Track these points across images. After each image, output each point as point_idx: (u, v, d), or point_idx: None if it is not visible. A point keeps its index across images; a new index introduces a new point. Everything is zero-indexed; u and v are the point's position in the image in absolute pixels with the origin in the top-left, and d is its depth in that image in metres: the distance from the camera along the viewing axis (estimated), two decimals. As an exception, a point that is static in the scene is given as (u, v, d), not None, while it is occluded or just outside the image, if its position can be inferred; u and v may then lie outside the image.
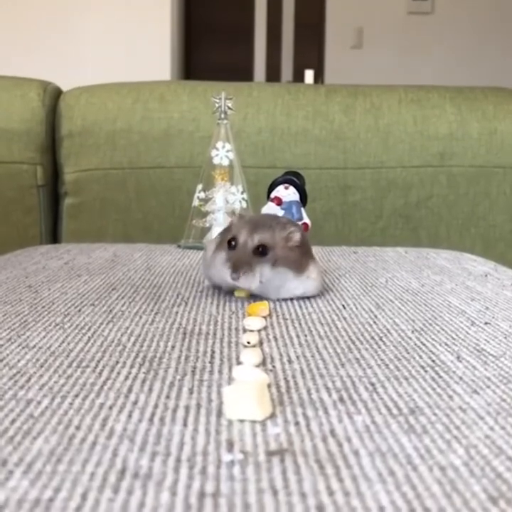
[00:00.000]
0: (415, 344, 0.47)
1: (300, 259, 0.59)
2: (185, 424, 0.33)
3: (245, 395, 0.34)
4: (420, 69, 3.42)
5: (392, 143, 1.30)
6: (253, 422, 0.34)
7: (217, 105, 0.93)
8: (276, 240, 0.57)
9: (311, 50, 3.67)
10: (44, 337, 0.47)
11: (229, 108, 0.93)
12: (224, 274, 0.57)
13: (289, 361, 0.43)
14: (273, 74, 3.67)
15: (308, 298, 0.61)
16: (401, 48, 3.49)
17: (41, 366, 0.41)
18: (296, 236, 0.58)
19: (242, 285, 0.57)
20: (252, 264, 0.56)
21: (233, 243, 0.58)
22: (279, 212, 0.93)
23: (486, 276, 0.72)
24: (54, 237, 1.34)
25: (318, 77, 3.63)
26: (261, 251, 0.57)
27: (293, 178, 0.91)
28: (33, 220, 1.30)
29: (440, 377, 0.41)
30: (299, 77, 3.66)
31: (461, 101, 1.33)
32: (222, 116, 0.93)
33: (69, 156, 1.31)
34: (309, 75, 3.63)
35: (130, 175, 1.30)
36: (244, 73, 3.58)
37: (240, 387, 0.35)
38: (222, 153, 0.92)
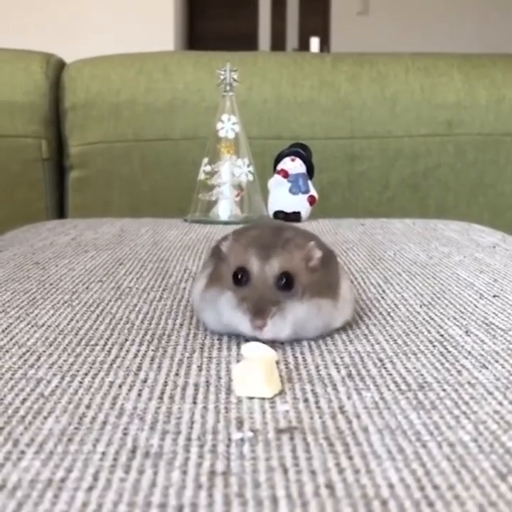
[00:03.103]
0: (423, 319, 0.47)
1: (329, 279, 0.43)
2: (194, 402, 0.33)
3: (254, 372, 0.34)
4: (428, 35, 3.36)
5: (399, 112, 1.28)
6: (262, 399, 0.34)
7: (222, 77, 0.92)
8: (296, 263, 0.41)
9: (316, 16, 3.61)
10: (53, 315, 0.48)
11: (234, 80, 0.92)
12: (238, 323, 0.40)
13: (297, 337, 0.43)
14: (278, 42, 3.62)
15: None
16: (408, 14, 3.43)
17: (50, 345, 0.42)
18: (316, 252, 0.42)
19: (268, 336, 0.40)
20: (279, 302, 0.40)
21: (242, 276, 0.41)
22: (286, 184, 0.93)
23: (494, 247, 0.72)
24: (60, 211, 1.34)
25: (324, 45, 3.57)
26: (285, 282, 0.40)
27: (299, 150, 0.91)
28: (38, 194, 1.30)
29: (448, 351, 0.41)
30: (304, 44, 3.61)
31: (468, 68, 1.31)
32: (228, 88, 0.92)
33: (73, 129, 1.30)
34: (315, 43, 3.58)
35: (135, 147, 1.29)
36: (248, 41, 3.53)
37: (249, 365, 0.35)
38: (228, 126, 0.91)
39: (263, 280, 0.40)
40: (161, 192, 1.29)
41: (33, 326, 0.45)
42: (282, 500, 0.25)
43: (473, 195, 1.30)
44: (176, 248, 0.73)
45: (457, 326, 0.46)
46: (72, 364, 0.38)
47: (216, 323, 0.43)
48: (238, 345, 0.42)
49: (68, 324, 0.46)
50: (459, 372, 0.37)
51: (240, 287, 0.41)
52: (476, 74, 1.29)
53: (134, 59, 1.34)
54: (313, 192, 0.94)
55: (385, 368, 0.38)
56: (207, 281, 0.44)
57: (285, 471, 0.27)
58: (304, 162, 0.92)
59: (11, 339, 0.43)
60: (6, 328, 0.45)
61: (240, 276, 0.41)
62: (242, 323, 0.40)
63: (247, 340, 0.43)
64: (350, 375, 0.37)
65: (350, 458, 0.28)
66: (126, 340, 0.43)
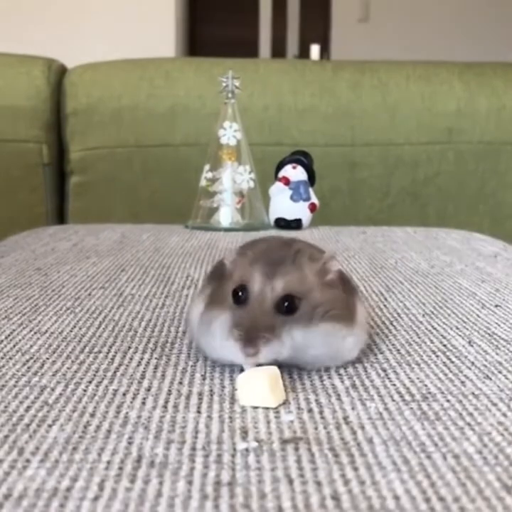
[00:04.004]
0: (426, 328, 0.47)
1: (346, 300, 0.38)
2: (198, 411, 0.33)
3: (259, 381, 0.34)
4: (429, 43, 3.37)
5: (400, 119, 1.29)
6: (266, 408, 0.34)
7: (224, 85, 0.92)
8: (309, 281, 0.36)
9: (317, 23, 3.62)
10: (55, 322, 0.48)
11: (236, 87, 0.92)
12: (229, 350, 0.36)
13: (301, 346, 0.43)
14: (278, 48, 3.63)
15: None
16: (408, 22, 3.44)
17: (54, 352, 0.42)
18: (334, 265, 0.37)
19: (262, 362, 0.36)
20: (275, 327, 0.35)
21: (242, 295, 0.36)
22: (287, 191, 0.93)
23: (495, 256, 0.72)
24: (60, 216, 1.34)
25: (324, 52, 3.58)
26: (288, 306, 0.36)
27: (301, 158, 0.91)
28: (39, 199, 1.30)
29: (452, 362, 0.41)
30: (304, 51, 3.61)
31: (469, 76, 1.31)
32: (230, 95, 0.92)
33: (74, 134, 1.30)
34: (315, 50, 3.58)
35: (136, 153, 1.29)
36: (249, 47, 3.54)
37: (254, 374, 0.35)
38: (230, 133, 0.92)
39: (261, 301, 0.35)
40: (162, 198, 1.29)
41: (36, 333, 0.45)
42: (288, 511, 0.25)
43: (474, 204, 1.30)
44: (178, 255, 0.73)
45: (460, 336, 0.46)
46: (75, 371, 0.38)
47: (217, 354, 0.38)
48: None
49: (71, 331, 0.46)
50: (462, 382, 0.37)
51: (238, 308, 0.36)
52: (477, 82, 1.30)
53: (135, 65, 1.34)
54: (314, 199, 0.95)
55: (388, 378, 0.38)
56: (207, 302, 0.39)
57: (290, 481, 0.27)
58: (306, 169, 0.92)
59: (14, 346, 0.43)
60: (9, 335, 0.45)
61: (239, 294, 0.36)
62: (234, 351, 0.35)
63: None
64: (354, 386, 0.37)
65: (356, 469, 0.28)
66: (130, 347, 0.43)
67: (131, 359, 0.41)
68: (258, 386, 0.34)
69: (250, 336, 0.35)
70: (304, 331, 0.36)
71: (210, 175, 0.93)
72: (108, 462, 0.28)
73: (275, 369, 0.37)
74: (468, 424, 0.32)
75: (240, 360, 0.36)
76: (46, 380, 0.37)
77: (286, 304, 0.36)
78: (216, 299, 0.38)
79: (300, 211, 0.94)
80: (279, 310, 0.36)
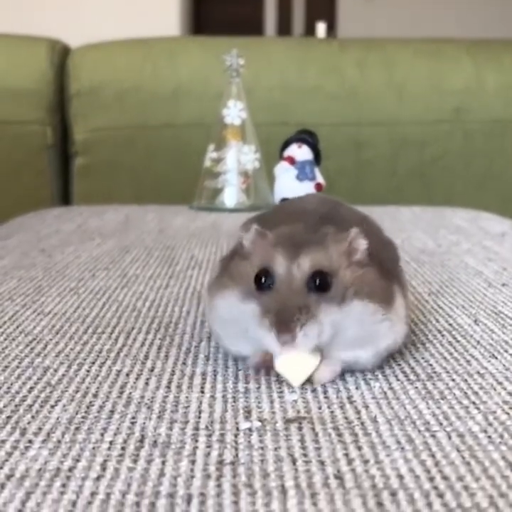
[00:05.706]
0: (432, 307, 0.47)
1: (381, 280, 0.34)
2: (202, 392, 0.33)
3: (295, 354, 0.32)
4: (436, 20, 3.33)
5: (407, 98, 1.27)
6: (270, 388, 0.33)
7: (228, 63, 0.91)
8: (336, 260, 0.33)
9: (323, 1, 3.58)
10: (59, 303, 0.48)
11: (240, 66, 0.91)
12: (265, 342, 0.32)
13: (305, 326, 0.43)
14: (284, 26, 3.59)
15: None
16: (415, -2, 3.40)
17: (57, 333, 0.41)
18: (361, 243, 0.34)
19: (302, 350, 0.32)
20: (310, 306, 0.32)
21: (265, 280, 0.33)
22: (293, 171, 0.92)
23: (503, 235, 0.71)
24: (65, 198, 1.33)
25: (331, 30, 3.54)
26: (319, 283, 0.32)
27: (306, 137, 0.90)
28: (43, 181, 1.29)
29: (457, 341, 0.40)
30: (310, 29, 3.58)
31: (477, 53, 1.29)
32: (234, 74, 0.91)
33: (78, 115, 1.29)
34: (321, 28, 3.54)
35: (140, 134, 1.29)
36: (254, 26, 3.51)
37: (291, 356, 0.33)
38: (234, 113, 0.91)
39: (288, 282, 0.32)
40: (166, 179, 1.29)
41: (39, 314, 0.45)
42: (291, 491, 0.25)
43: (482, 184, 1.29)
44: (182, 236, 0.72)
45: (466, 314, 0.45)
46: (79, 352, 0.38)
47: (246, 347, 0.35)
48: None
49: (75, 312, 0.46)
50: (468, 361, 0.37)
51: (263, 293, 0.33)
52: (485, 59, 1.28)
53: (139, 44, 1.33)
54: (320, 179, 0.94)
55: (393, 357, 0.38)
56: (220, 287, 0.35)
57: (294, 461, 0.27)
58: (311, 149, 0.92)
59: (17, 327, 0.42)
60: (12, 316, 0.45)
61: (263, 280, 0.33)
62: (270, 341, 0.32)
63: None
64: (358, 365, 0.36)
65: (359, 448, 0.28)
66: (133, 328, 0.43)
67: (134, 339, 0.40)
68: (298, 357, 0.33)
69: (282, 320, 0.31)
70: (340, 309, 0.32)
71: (214, 155, 0.92)
72: (111, 442, 0.28)
73: None
74: (473, 402, 0.32)
75: (277, 351, 0.32)
76: (49, 360, 0.37)
77: (318, 280, 0.32)
78: (233, 285, 0.34)
79: (306, 191, 0.92)
80: (311, 288, 0.32)
